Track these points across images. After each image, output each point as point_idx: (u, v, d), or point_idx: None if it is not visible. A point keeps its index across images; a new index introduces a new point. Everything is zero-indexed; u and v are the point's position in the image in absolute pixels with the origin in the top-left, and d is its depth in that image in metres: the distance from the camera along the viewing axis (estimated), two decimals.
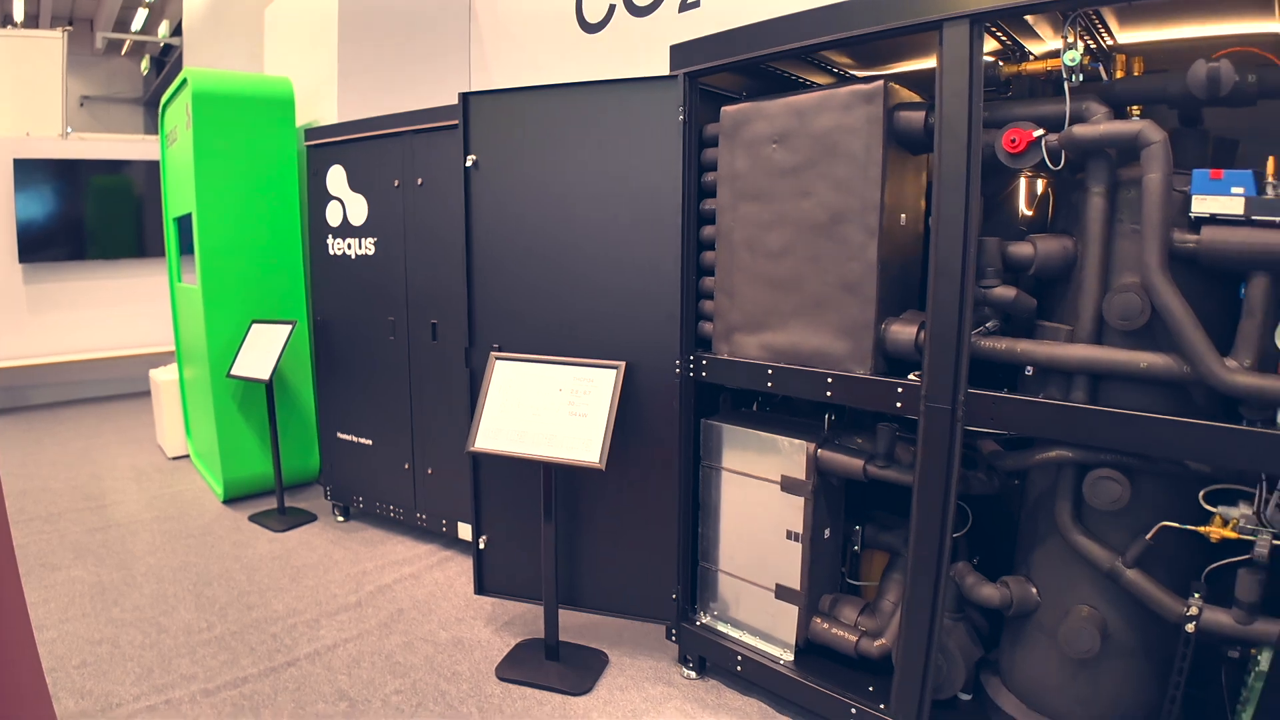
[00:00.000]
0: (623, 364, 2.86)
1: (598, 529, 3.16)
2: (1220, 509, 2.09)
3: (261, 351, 4.57)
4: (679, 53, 2.83)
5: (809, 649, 2.82)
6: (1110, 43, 2.45)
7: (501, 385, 3.00)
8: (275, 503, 4.77)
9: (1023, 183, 2.74)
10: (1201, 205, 1.99)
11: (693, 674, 3.08)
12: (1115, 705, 2.32)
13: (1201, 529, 2.09)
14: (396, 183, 4.08)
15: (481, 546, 3.34)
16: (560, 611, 3.19)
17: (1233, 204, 1.96)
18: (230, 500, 5.05)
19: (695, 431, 2.94)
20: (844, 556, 2.93)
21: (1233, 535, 2.06)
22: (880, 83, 2.37)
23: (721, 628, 3.01)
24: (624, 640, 3.35)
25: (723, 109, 2.74)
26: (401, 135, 4.04)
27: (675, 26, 4.06)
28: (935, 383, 2.26)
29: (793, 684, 2.76)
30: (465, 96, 3.17)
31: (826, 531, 2.75)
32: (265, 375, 4.43)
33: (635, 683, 3.06)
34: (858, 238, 2.41)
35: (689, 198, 2.81)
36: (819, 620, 2.77)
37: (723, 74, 2.83)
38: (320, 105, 5.25)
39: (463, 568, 4.06)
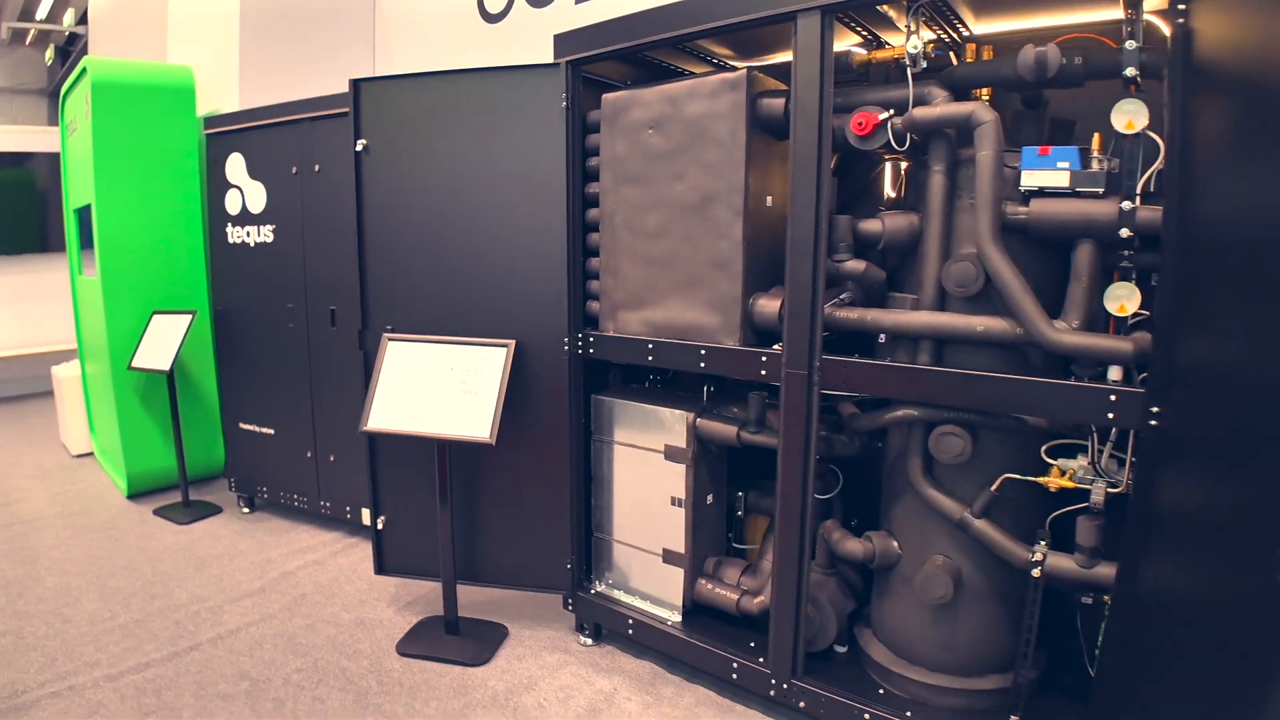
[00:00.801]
0: (513, 342, 2.95)
1: (496, 505, 3.25)
2: (1060, 461, 2.29)
3: (162, 343, 4.51)
4: (562, 42, 2.92)
5: (696, 610, 2.97)
6: (967, 33, 2.63)
7: (394, 366, 3.06)
8: (180, 496, 4.72)
9: (888, 166, 2.92)
10: (1030, 179, 2.18)
11: (589, 641, 3.19)
12: (974, 649, 2.52)
13: (1041, 480, 2.28)
14: (295, 170, 4.08)
15: (380, 527, 3.39)
16: (462, 588, 3.27)
17: (1058, 177, 2.15)
18: (135, 495, 4.97)
19: (586, 407, 3.04)
20: (730, 522, 3.08)
21: (1071, 485, 2.26)
22: (744, 71, 2.51)
23: (616, 595, 3.13)
24: (525, 613, 3.44)
25: (603, 96, 2.85)
26: (299, 123, 4.04)
27: (573, 16, 4.15)
28: (794, 351, 2.41)
29: (680, 643, 2.89)
30: (356, 83, 3.21)
31: (709, 497, 2.89)
32: (166, 366, 4.38)
33: (533, 652, 3.16)
34: (726, 218, 2.55)
35: (573, 181, 2.91)
36: (704, 582, 2.91)
37: (609, 63, 2.94)
38: (222, 94, 5.20)
39: (367, 553, 4.09)
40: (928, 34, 2.55)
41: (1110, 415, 2.03)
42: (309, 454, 4.30)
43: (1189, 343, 1.85)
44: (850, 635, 2.81)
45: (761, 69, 2.62)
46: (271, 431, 4.46)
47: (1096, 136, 2.15)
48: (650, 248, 2.74)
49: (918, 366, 2.31)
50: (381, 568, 3.47)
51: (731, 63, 3.16)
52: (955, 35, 2.61)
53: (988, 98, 2.38)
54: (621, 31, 2.76)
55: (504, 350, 2.94)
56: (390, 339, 3.11)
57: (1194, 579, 1.80)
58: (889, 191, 2.92)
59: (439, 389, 2.98)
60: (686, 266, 2.65)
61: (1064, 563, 2.25)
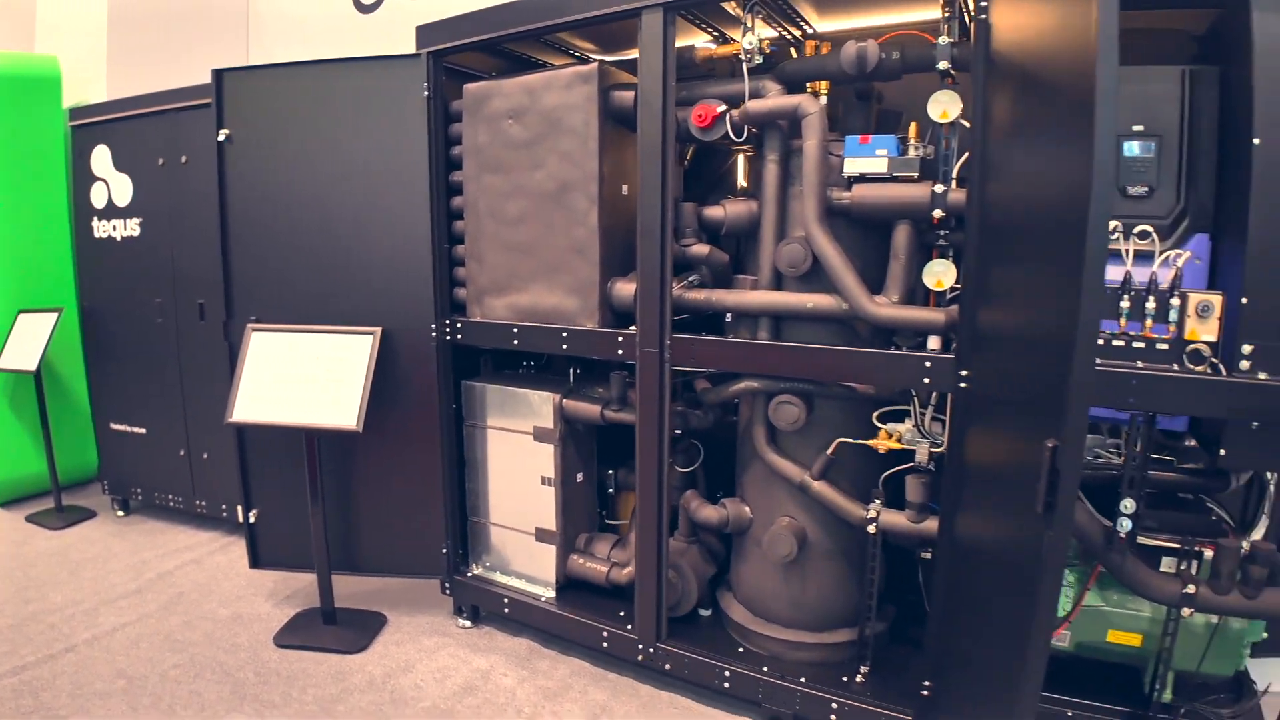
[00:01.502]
0: (378, 330, 2.99)
1: (370, 494, 3.27)
2: (889, 425, 2.49)
3: (28, 342, 4.33)
4: (424, 33, 2.98)
5: (570, 585, 3.08)
6: (810, 30, 2.81)
7: (259, 356, 3.05)
8: (53, 502, 4.54)
9: (740, 158, 3.08)
10: (852, 166, 2.36)
11: (467, 623, 3.26)
12: (824, 605, 2.71)
13: (872, 442, 2.48)
14: (161, 161, 4.00)
15: (252, 520, 3.37)
16: (342, 578, 3.29)
17: (878, 164, 2.34)
18: (7, 503, 4.75)
19: (457, 393, 3.10)
20: (603, 499, 3.20)
21: (898, 446, 2.46)
22: (595, 64, 2.62)
23: (493, 576, 3.21)
24: (405, 600, 3.48)
25: (465, 87, 2.92)
26: (166, 114, 3.97)
27: (447, 6, 4.17)
28: (646, 331, 2.54)
29: (555, 618, 3.00)
30: (218, 73, 3.19)
31: (579, 476, 3.00)
32: (32, 367, 4.21)
33: (412, 637, 3.21)
34: (583, 205, 2.66)
35: (436, 170, 2.97)
36: (576, 557, 3.02)
37: (475, 55, 3.01)
38: (90, 86, 5.02)
39: (245, 551, 4.04)
40: (769, 31, 2.72)
41: (925, 380, 2.23)
42: (182, 452, 4.21)
43: (988, 311, 2.06)
44: (713, 599, 2.97)
45: (622, 63, 2.74)
46: (144, 431, 4.34)
47: (913, 126, 2.35)
48: (513, 234, 2.82)
49: (756, 341, 2.47)
50: (256, 561, 3.45)
51: (595, 56, 3.27)
52: (799, 32, 2.78)
53: (826, 92, 2.55)
54: (482, 24, 2.83)
55: (370, 338, 2.98)
56: (254, 329, 3.10)
57: (997, 526, 2.01)
58: (742, 181, 3.09)
59: (305, 379, 2.99)
60: (547, 252, 2.75)
61: (896, 519, 2.45)
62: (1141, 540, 2.30)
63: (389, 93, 3.00)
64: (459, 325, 3.00)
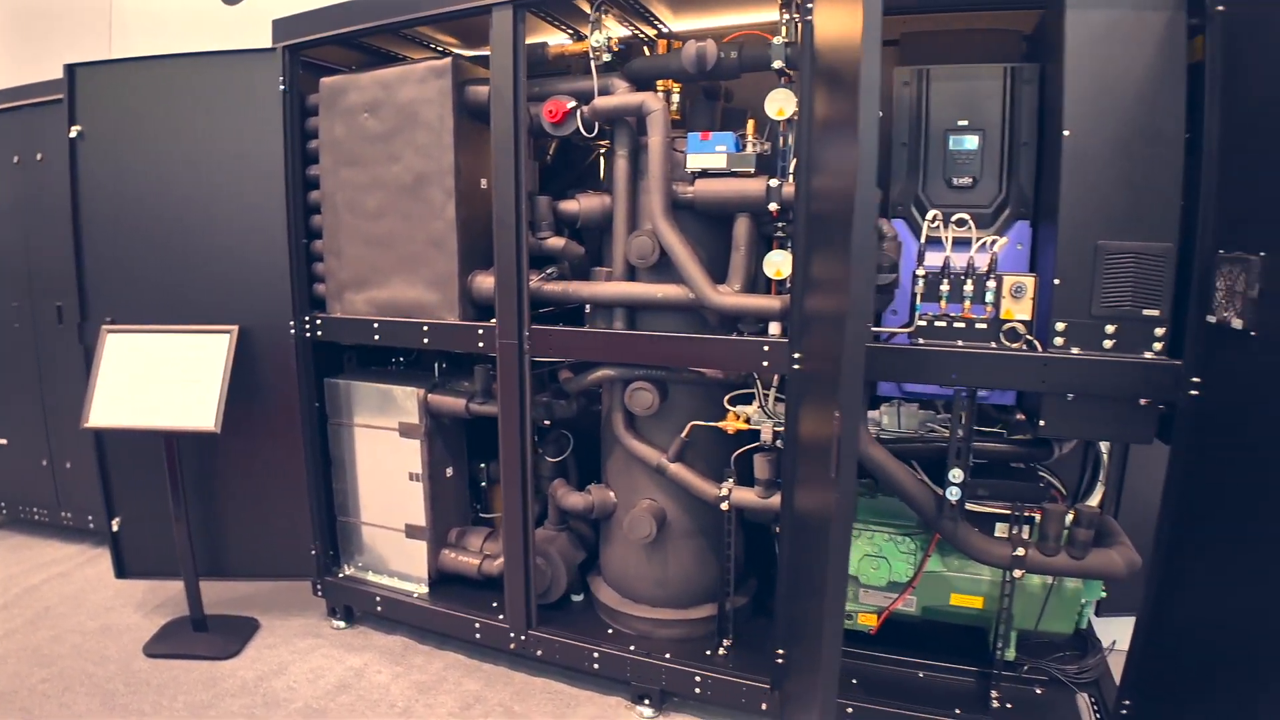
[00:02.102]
0: (235, 328, 2.93)
1: (237, 497, 3.21)
2: (738, 408, 2.58)
3: None
4: (280, 27, 2.93)
5: (443, 580, 3.08)
6: (665, 29, 2.88)
7: (114, 358, 2.96)
8: None
9: (603, 153, 3.13)
10: (695, 161, 2.44)
11: (342, 624, 3.23)
12: (686, 582, 2.80)
13: (721, 424, 2.56)
14: (16, 159, 3.81)
15: (116, 529, 3.26)
16: (213, 584, 3.23)
17: (717, 159, 2.42)
18: None
19: (320, 391, 3.07)
20: (476, 493, 3.21)
21: (746, 427, 2.56)
22: (449, 59, 2.63)
23: (365, 575, 3.19)
24: (279, 604, 3.42)
25: (321, 80, 2.89)
26: (20, 110, 3.78)
27: None
28: (505, 322, 2.57)
29: (428, 613, 3.00)
30: (70, 68, 3.09)
31: (448, 470, 3.01)
32: None
33: (285, 640, 3.17)
34: (439, 199, 2.67)
35: (293, 164, 2.93)
36: (448, 552, 3.03)
37: (336, 50, 2.98)
38: None
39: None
40: (624, 30, 2.78)
41: (764, 363, 2.33)
42: (44, 462, 4.03)
43: (811, 297, 2.17)
44: (584, 584, 3.02)
45: (483, 59, 2.74)
46: (4, 442, 4.14)
47: (751, 123, 2.45)
48: (371, 228, 2.81)
49: (609, 331, 2.53)
50: (123, 571, 3.34)
51: (456, 51, 3.27)
52: (654, 31, 2.85)
53: (678, 90, 2.62)
54: (338, 18, 2.81)
55: (227, 336, 2.92)
56: (109, 331, 3.00)
57: (818, 496, 2.11)
58: (604, 176, 3.14)
59: (162, 380, 2.92)
60: (406, 246, 2.75)
61: (747, 495, 2.54)
62: (977, 508, 2.46)
63: (246, 87, 2.95)
64: (319, 322, 2.97)
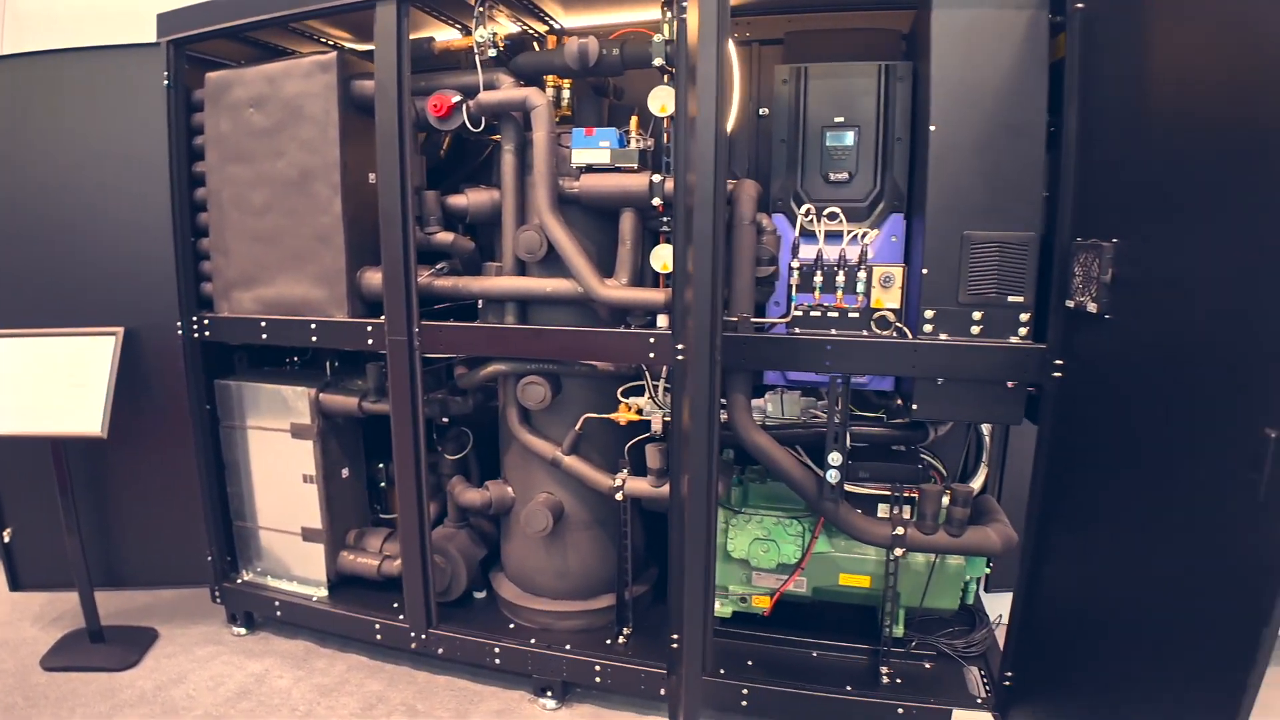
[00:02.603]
0: (120, 330, 2.84)
1: (132, 505, 3.12)
2: (631, 399, 2.61)
3: None
4: (165, 21, 2.84)
5: (344, 582, 3.04)
6: (557, 25, 2.88)
7: None
8: None
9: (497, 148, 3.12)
10: (579, 157, 2.45)
11: (242, 630, 3.16)
12: (585, 573, 2.82)
13: (613, 416, 2.59)
14: None
15: (7, 540, 3.14)
16: (112, 594, 3.14)
17: (600, 155, 2.44)
18: None
19: (211, 392, 2.99)
20: (376, 493, 3.17)
21: (637, 418, 2.59)
22: (335, 53, 2.59)
23: (265, 580, 3.12)
24: (179, 613, 3.33)
25: (206, 75, 2.81)
26: None
27: None
28: (394, 319, 2.55)
29: (329, 616, 2.96)
30: None
31: (344, 471, 2.97)
32: None
33: (184, 648, 3.08)
34: (326, 194, 2.63)
35: (178, 161, 2.85)
36: (346, 554, 2.99)
37: (227, 44, 2.90)
38: None
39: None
40: (515, 26, 2.78)
41: (651, 355, 2.36)
42: None
43: (691, 289, 2.21)
44: (487, 580, 3.02)
45: (355, 51, 2.72)
46: None
47: (634, 119, 2.47)
48: (257, 225, 2.75)
49: (498, 325, 2.53)
50: (16, 584, 3.22)
51: (350, 45, 3.22)
52: (545, 27, 2.86)
53: (569, 86, 2.63)
54: (224, 11, 2.74)
55: (112, 339, 2.83)
56: None
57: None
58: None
59: (46, 385, 2.81)
60: (293, 242, 2.70)
61: (640, 485, 2.58)
62: (861, 490, 2.54)
63: (132, 83, 2.87)
64: (207, 322, 2.89)
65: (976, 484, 2.69)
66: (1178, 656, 1.63)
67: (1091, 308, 1.97)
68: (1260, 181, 1.42)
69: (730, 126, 2.69)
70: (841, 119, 2.42)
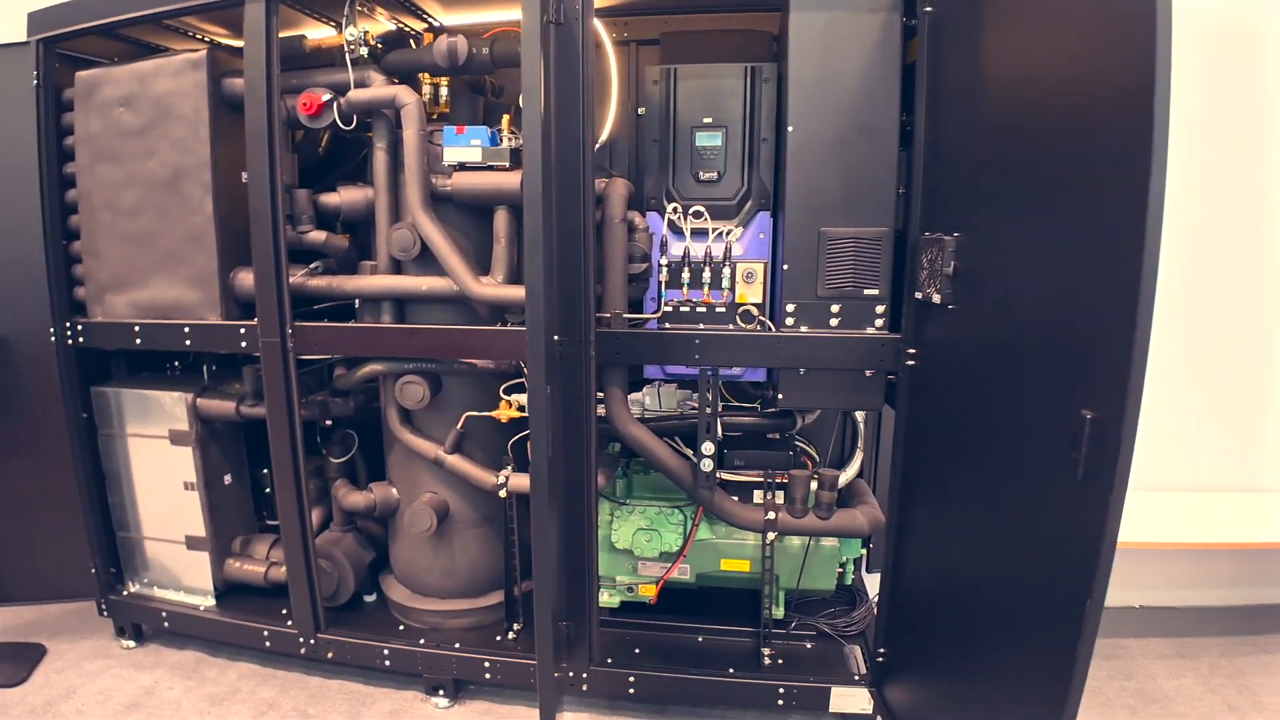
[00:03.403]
0: None
1: (12, 517, 3.00)
2: (512, 396, 2.63)
3: None
4: (35, 19, 2.76)
5: (233, 590, 2.99)
6: (436, 23, 2.88)
7: None
8: None
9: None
10: (451, 155, 2.46)
11: (131, 643, 3.09)
12: (473, 571, 2.84)
13: (494, 413, 2.61)
14: None
15: None
16: None
17: (472, 153, 2.45)
18: None
19: (87, 400, 2.91)
20: (264, 499, 3.13)
21: (519, 414, 2.61)
22: (205, 51, 2.55)
23: (152, 591, 3.06)
24: (67, 628, 3.25)
25: (76, 74, 2.73)
26: None
27: None
28: (266, 320, 2.52)
29: (217, 625, 2.92)
30: None
31: (227, 477, 2.92)
32: None
33: (73, 663, 3.01)
34: (197, 193, 2.58)
35: (48, 161, 2.76)
36: (232, 561, 2.94)
37: (102, 43, 2.82)
38: None
39: None
40: (390, 24, 2.77)
41: (526, 352, 2.38)
42: None
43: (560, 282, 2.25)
44: (377, 583, 3.01)
45: (228, 49, 2.68)
46: None
47: (506, 117, 2.50)
48: (130, 226, 2.69)
49: (373, 325, 2.53)
50: None
51: (228, 41, 3.16)
52: (423, 25, 2.85)
53: (446, 85, 2.64)
54: (97, 8, 2.67)
55: None
56: None
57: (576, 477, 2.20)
58: None
59: None
60: (165, 243, 2.65)
61: (524, 481, 2.59)
62: (737, 477, 2.61)
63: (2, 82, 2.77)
64: (80, 327, 2.82)
65: (853, 469, 2.77)
66: (1016, 631, 1.72)
67: (936, 299, 2.07)
68: (1069, 179, 1.51)
69: (609, 126, 2.75)
70: (710, 119, 2.47)
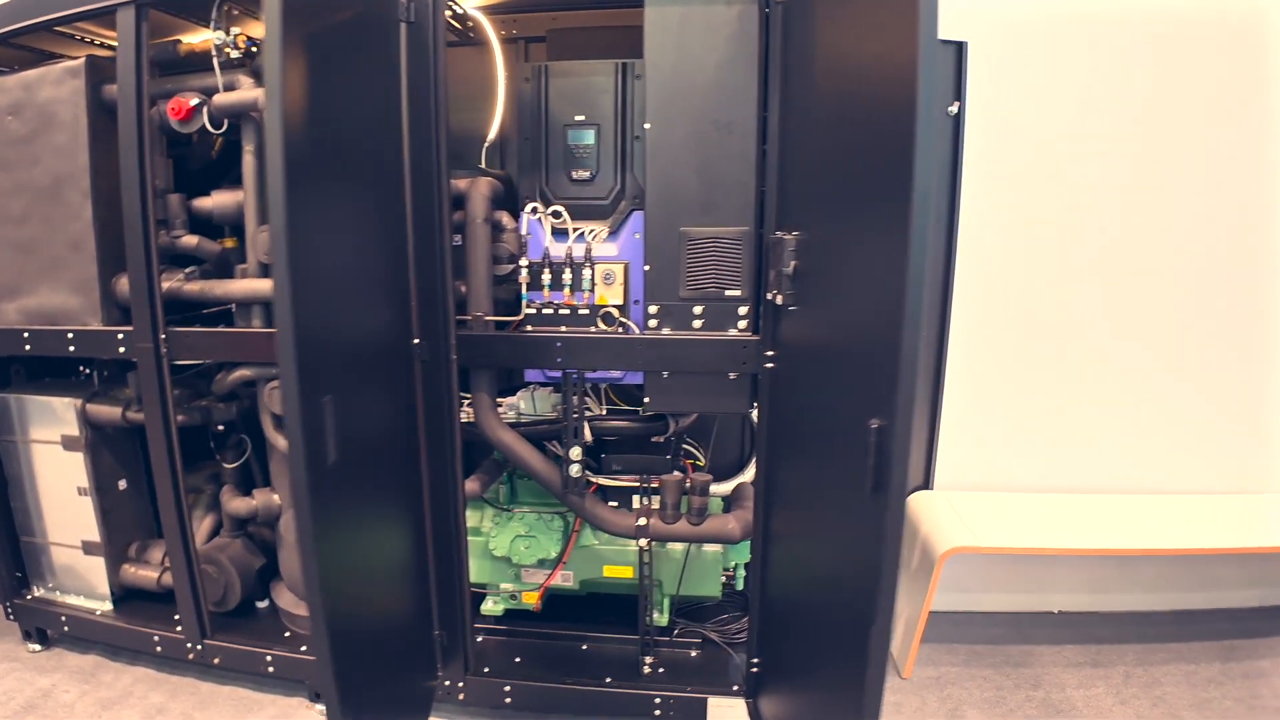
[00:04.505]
0: None
1: None
2: None
3: None
4: None
5: (131, 595, 2.99)
6: None
7: None
8: None
9: None
10: None
11: (37, 646, 3.11)
12: None
13: None
14: None
15: None
16: None
17: None
18: None
19: None
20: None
21: None
22: (84, 59, 2.56)
23: (55, 596, 3.07)
24: None
25: None
26: None
27: None
28: (140, 326, 2.52)
29: (113, 630, 2.92)
30: None
31: (121, 483, 2.92)
32: None
33: None
34: (76, 200, 2.59)
35: None
36: (128, 566, 2.95)
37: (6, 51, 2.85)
38: None
39: None
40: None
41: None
42: None
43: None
44: (269, 589, 2.99)
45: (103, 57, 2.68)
46: None
47: None
48: (17, 234, 2.70)
49: (244, 330, 2.52)
50: None
51: None
52: None
53: None
54: None
55: None
56: None
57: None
58: None
59: None
60: (50, 250, 2.65)
61: None
62: (614, 483, 2.57)
63: None
64: None
65: (748, 473, 2.72)
66: (841, 644, 1.66)
67: (779, 300, 2.02)
68: (871, 179, 1.46)
69: (496, 125, 2.73)
70: (582, 117, 2.44)
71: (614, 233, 2.42)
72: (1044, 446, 3.12)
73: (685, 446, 2.74)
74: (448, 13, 2.68)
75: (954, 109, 2.80)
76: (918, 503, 2.98)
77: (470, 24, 2.82)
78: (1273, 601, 3.27)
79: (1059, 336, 3.04)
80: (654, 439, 2.62)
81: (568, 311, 2.33)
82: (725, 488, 2.67)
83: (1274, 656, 2.95)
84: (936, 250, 2.89)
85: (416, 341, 2.30)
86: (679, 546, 2.63)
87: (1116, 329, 3.04)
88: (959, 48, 2.77)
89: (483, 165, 2.85)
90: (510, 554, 2.61)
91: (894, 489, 1.34)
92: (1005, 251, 2.98)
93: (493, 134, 2.78)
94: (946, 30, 2.77)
